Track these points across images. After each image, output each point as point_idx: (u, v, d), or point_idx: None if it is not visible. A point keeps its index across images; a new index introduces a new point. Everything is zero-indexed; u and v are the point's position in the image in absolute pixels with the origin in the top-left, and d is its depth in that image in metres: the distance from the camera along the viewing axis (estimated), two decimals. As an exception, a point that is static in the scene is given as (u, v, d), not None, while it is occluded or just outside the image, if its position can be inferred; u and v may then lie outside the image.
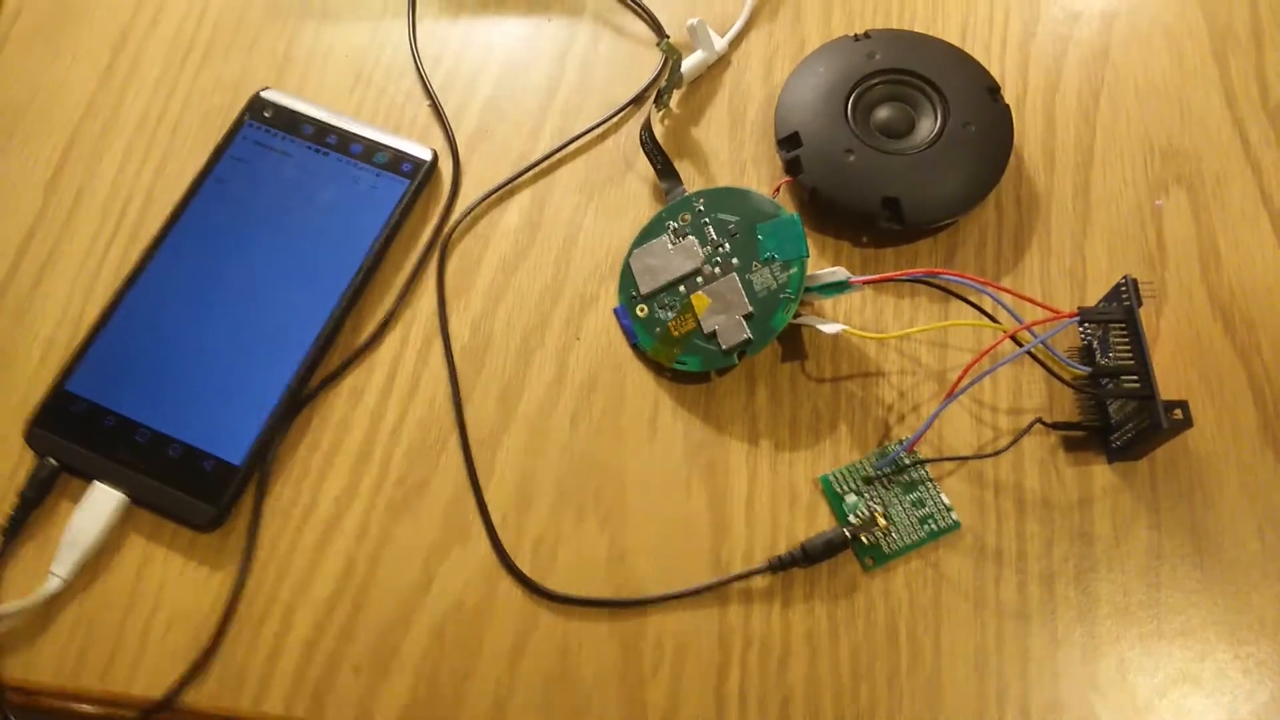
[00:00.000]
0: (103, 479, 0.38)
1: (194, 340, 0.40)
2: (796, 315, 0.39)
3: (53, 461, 0.38)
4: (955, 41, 0.47)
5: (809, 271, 0.39)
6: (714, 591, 0.37)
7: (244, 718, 0.36)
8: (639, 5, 0.47)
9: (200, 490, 0.38)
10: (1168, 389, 0.40)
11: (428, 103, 0.46)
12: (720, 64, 0.46)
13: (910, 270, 0.39)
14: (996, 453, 0.38)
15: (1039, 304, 0.38)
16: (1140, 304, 0.37)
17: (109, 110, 0.45)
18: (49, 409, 0.39)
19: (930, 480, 0.38)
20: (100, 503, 0.38)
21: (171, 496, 0.38)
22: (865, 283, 0.39)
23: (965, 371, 0.37)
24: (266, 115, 0.44)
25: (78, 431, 0.38)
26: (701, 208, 0.41)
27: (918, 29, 0.47)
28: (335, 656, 0.36)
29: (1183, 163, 0.44)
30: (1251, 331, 0.41)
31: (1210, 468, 0.39)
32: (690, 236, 0.41)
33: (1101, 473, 0.39)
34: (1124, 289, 0.37)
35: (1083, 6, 0.47)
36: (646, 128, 0.43)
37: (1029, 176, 0.44)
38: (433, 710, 0.35)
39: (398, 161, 0.43)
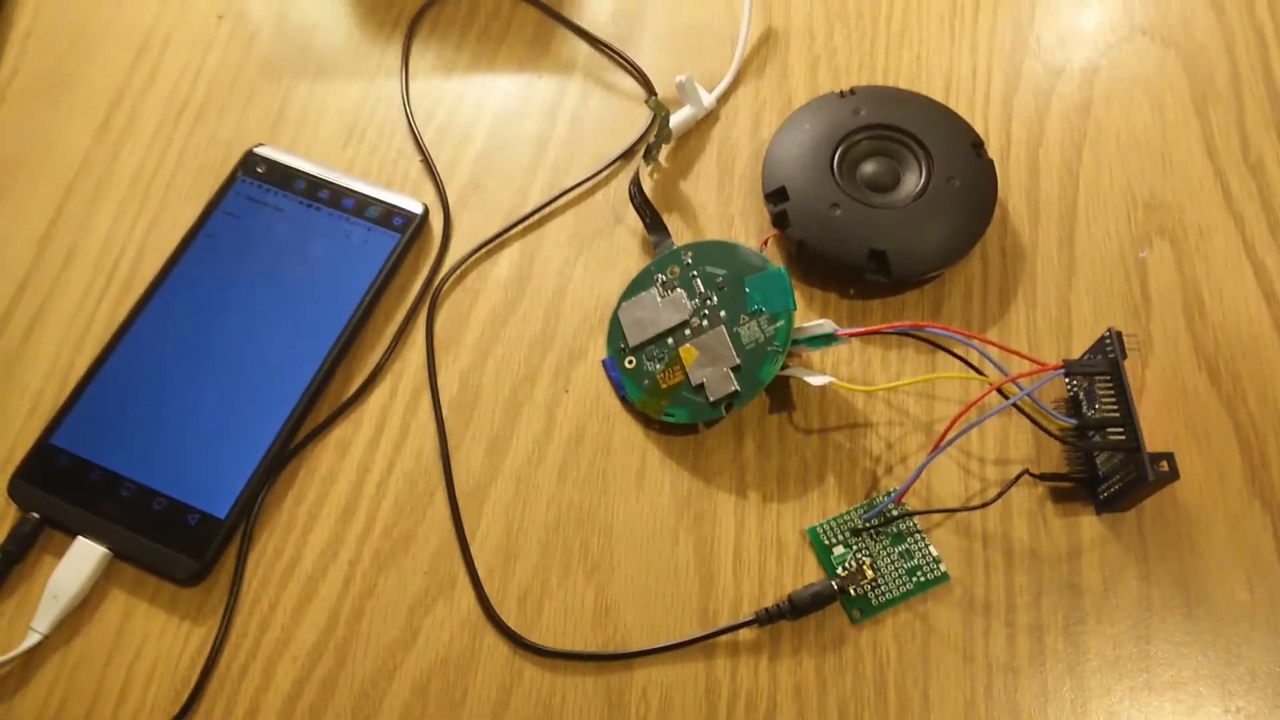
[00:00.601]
0: (86, 533, 0.38)
1: (181, 394, 0.40)
2: (784, 367, 0.39)
3: (35, 516, 0.38)
4: (939, 97, 0.47)
5: (796, 324, 0.40)
6: (701, 644, 0.37)
7: (223, 776, 0.35)
8: (628, 62, 0.48)
9: (184, 544, 0.37)
10: (1154, 440, 0.40)
11: (419, 158, 0.46)
12: (708, 119, 0.47)
13: (897, 323, 0.39)
14: (984, 504, 0.38)
15: (1024, 356, 0.38)
16: (1125, 356, 0.37)
17: (103, 166, 0.46)
18: (32, 463, 0.39)
19: (918, 532, 0.38)
20: (83, 557, 0.37)
21: (155, 551, 0.37)
22: (852, 335, 0.39)
23: (952, 424, 0.37)
24: (259, 171, 0.45)
25: (61, 486, 0.38)
26: (690, 260, 0.42)
27: (902, 85, 0.48)
28: (316, 712, 0.36)
29: (1166, 214, 0.44)
30: (1237, 382, 0.41)
31: (1198, 518, 0.38)
32: (679, 289, 0.41)
33: (1090, 524, 0.38)
34: (1108, 341, 0.38)
35: (1064, 62, 0.48)
36: (635, 182, 0.44)
37: (1014, 229, 0.44)
38: (415, 768, 0.35)
39: (389, 215, 0.44)
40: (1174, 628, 0.37)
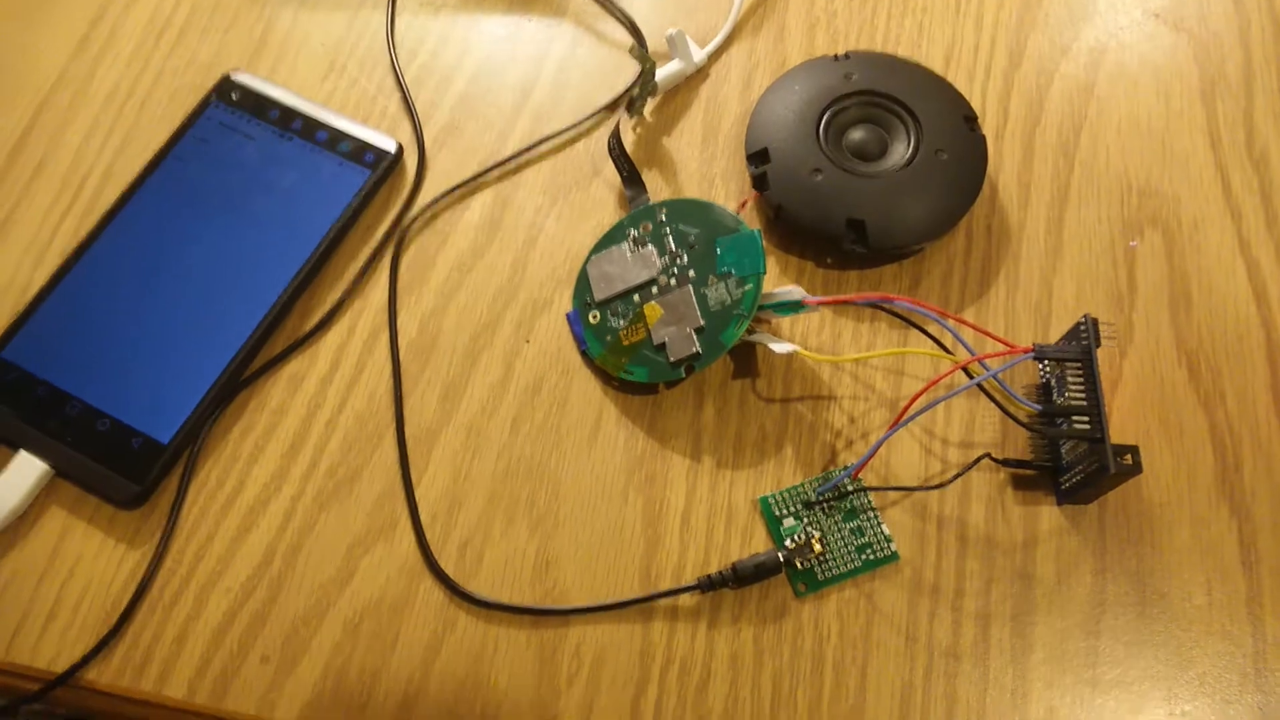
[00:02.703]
0: (29, 448, 0.37)
1: (136, 316, 0.39)
2: (749, 332, 0.38)
3: (-21, 427, 0.38)
4: (939, 68, 0.46)
5: (766, 289, 0.39)
6: (639, 606, 0.36)
7: (145, 699, 0.35)
8: (620, 11, 0.47)
9: (126, 467, 0.37)
10: (1126, 433, 0.39)
11: (399, 95, 0.45)
12: (698, 76, 0.46)
13: (866, 294, 0.38)
14: (941, 484, 0.37)
15: (995, 337, 0.37)
16: (1099, 345, 0.36)
17: (80, 82, 0.45)
18: (-18, 374, 0.38)
19: (872, 509, 0.37)
20: (23, 472, 0.37)
21: (96, 471, 0.37)
22: (820, 304, 0.38)
23: (913, 400, 0.36)
24: (234, 97, 0.44)
25: (8, 399, 0.38)
26: (664, 218, 0.41)
27: (901, 53, 0.46)
28: (245, 644, 0.35)
29: (1161, 204, 0.43)
30: (1217, 379, 0.39)
31: (1162, 517, 0.37)
32: (650, 246, 0.40)
33: (1049, 514, 0.37)
34: (1083, 328, 0.36)
35: (1071, 40, 0.46)
36: (615, 134, 0.42)
37: (1002, 207, 0.43)
38: (337, 706, 0.34)
39: (361, 151, 0.43)
40: (1125, 626, 0.36)
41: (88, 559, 0.37)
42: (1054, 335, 0.40)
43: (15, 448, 0.37)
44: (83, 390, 0.38)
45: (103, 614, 0.36)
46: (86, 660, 0.35)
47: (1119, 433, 0.38)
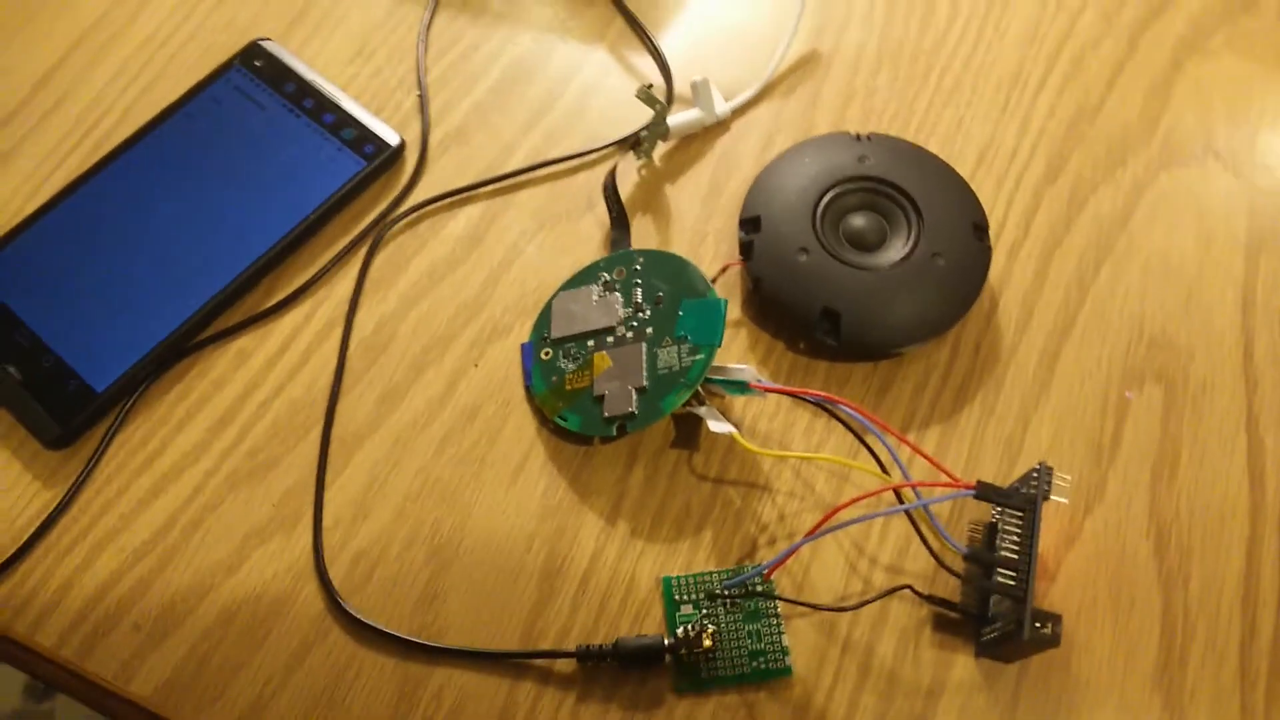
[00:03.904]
0: (-27, 369, 0.38)
1: (106, 263, 0.40)
2: (692, 403, 0.37)
3: (-67, 340, 0.38)
4: (968, 167, 0.43)
5: (721, 363, 0.37)
6: (514, 662, 0.35)
7: (15, 639, 0.35)
8: (655, 48, 0.46)
9: (55, 407, 0.37)
10: (1069, 596, 0.36)
11: (417, 93, 0.45)
12: (718, 128, 0.44)
13: (814, 391, 0.36)
14: (851, 607, 0.35)
15: (936, 464, 0.35)
16: (1047, 497, 0.33)
17: (119, 25, 0.46)
18: (-52, 290, 0.39)
19: (777, 615, 0.35)
20: (-39, 391, 0.38)
21: (28, 406, 0.37)
22: (767, 390, 0.36)
23: (836, 510, 0.34)
24: (257, 64, 0.44)
25: (-33, 318, 0.39)
26: (639, 267, 0.39)
27: (934, 144, 0.44)
28: (122, 608, 0.35)
29: (1171, 358, 0.40)
30: (1184, 560, 0.36)
31: (1087, 696, 0.34)
32: (617, 293, 0.39)
33: (964, 664, 0.35)
34: (1035, 476, 0.34)
35: (1117, 164, 0.43)
36: (611, 174, 0.41)
37: (998, 327, 0.40)
38: (191, 691, 0.34)
39: (362, 141, 0.43)
40: (1012, 803, 0.33)
41: (1, 489, 0.37)
42: (1016, 475, 0.38)
43: (-40, 366, 0.38)
44: (37, 323, 0.39)
45: (0, 546, 0.36)
46: (-30, 589, 0.35)
47: (1061, 595, 0.36)
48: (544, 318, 0.40)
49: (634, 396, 0.37)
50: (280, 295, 0.41)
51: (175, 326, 0.39)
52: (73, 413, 0.37)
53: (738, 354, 0.40)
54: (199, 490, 0.37)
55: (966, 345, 0.40)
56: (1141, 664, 0.35)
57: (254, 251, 0.40)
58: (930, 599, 0.35)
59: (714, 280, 0.40)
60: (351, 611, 0.35)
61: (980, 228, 0.40)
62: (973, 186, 0.42)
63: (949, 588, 0.36)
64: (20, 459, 0.38)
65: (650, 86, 0.40)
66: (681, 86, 0.45)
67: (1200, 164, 0.44)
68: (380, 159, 0.42)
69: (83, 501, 0.37)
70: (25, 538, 0.36)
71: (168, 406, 0.39)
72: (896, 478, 0.36)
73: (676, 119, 0.43)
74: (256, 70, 0.44)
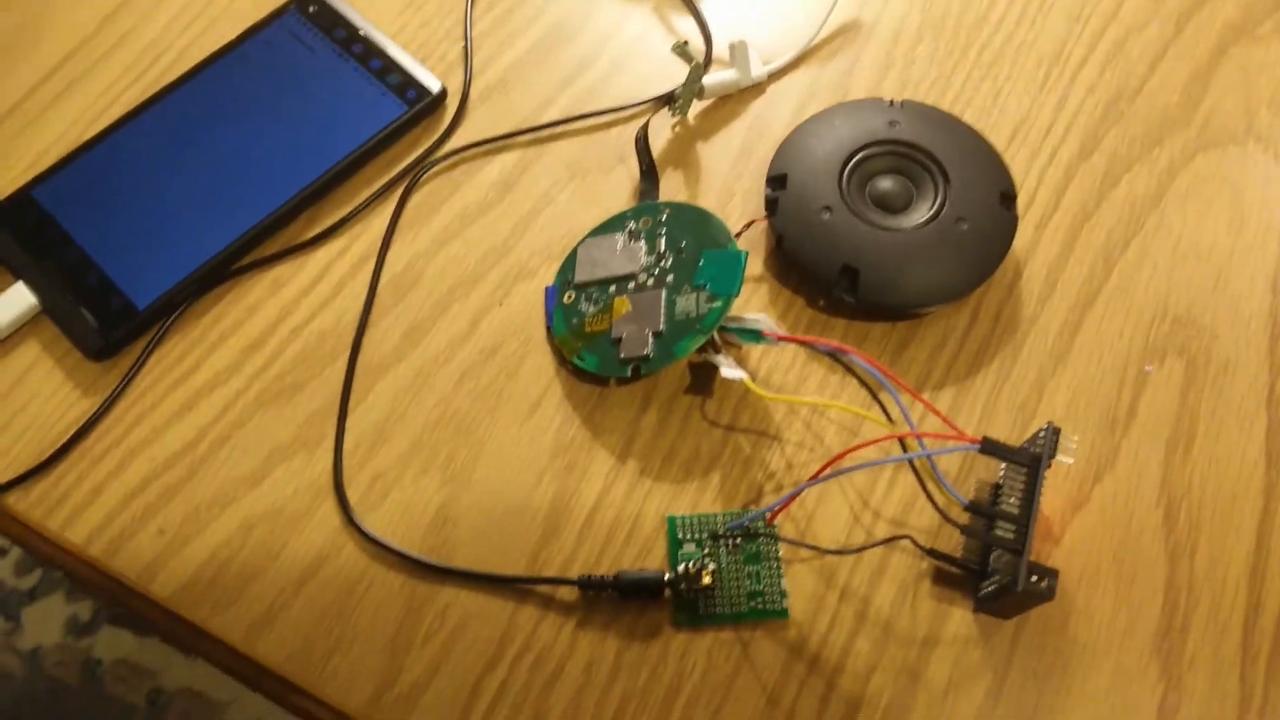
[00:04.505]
0: (26, 281, 0.40)
1: (155, 190, 0.42)
2: (707, 350, 0.38)
3: (-7, 252, 0.41)
4: (1002, 140, 0.43)
5: (737, 313, 0.38)
6: (518, 586, 0.36)
7: (48, 536, 0.37)
8: (696, 9, 0.46)
9: (99, 320, 0.39)
10: (1073, 559, 0.36)
11: (462, 44, 0.46)
12: (754, 90, 0.45)
13: (825, 340, 0.36)
14: (850, 551, 0.35)
15: (944, 418, 0.35)
16: (1052, 456, 0.33)
17: (184, -33, 0.48)
18: (9, 206, 0.41)
19: (777, 559, 0.36)
20: (15, 301, 0.40)
21: (75, 317, 0.39)
22: (780, 339, 0.36)
23: (839, 456, 0.34)
24: (310, 10, 0.46)
25: (24, 233, 0.41)
26: (664, 218, 0.40)
27: (968, 116, 0.44)
28: (149, 513, 0.37)
29: (1194, 335, 0.39)
30: (1193, 533, 0.36)
31: (1083, 658, 0.34)
32: (642, 241, 0.40)
33: (961, 618, 0.35)
34: (1042, 436, 0.34)
35: (1154, 144, 0.43)
36: (644, 128, 0.42)
37: (1020, 296, 0.40)
38: (209, 596, 0.36)
39: (405, 86, 0.44)
40: (1000, 756, 0.33)
41: (44, 395, 0.39)
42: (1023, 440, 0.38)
43: (16, 277, 0.40)
44: (87, 242, 0.41)
45: (39, 449, 0.38)
46: (10, 485, 0.37)
47: (1065, 557, 0.36)
48: (569, 262, 0.41)
49: (650, 340, 0.37)
50: (318, 229, 0.42)
51: (216, 252, 0.40)
52: (115, 327, 0.39)
53: (757, 308, 0.41)
54: (228, 407, 0.39)
55: (987, 312, 0.40)
56: (1141, 631, 0.35)
57: (295, 186, 0.42)
58: (930, 552, 0.35)
59: (738, 235, 0.40)
60: (365, 529, 0.36)
61: (1008, 196, 0.40)
62: (1005, 159, 0.42)
63: (952, 544, 0.36)
64: (64, 368, 0.39)
65: (686, 43, 0.41)
66: (721, 49, 0.46)
67: (1240, 147, 0.43)
68: (422, 104, 0.44)
69: (119, 411, 0.39)
70: (62, 442, 0.38)
71: (204, 327, 0.40)
72: (901, 430, 0.36)
73: (712, 79, 0.44)
74: (309, 15, 0.45)
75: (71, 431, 0.38)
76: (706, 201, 0.43)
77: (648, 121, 0.42)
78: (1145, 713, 0.34)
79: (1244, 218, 0.42)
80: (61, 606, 0.93)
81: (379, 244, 0.42)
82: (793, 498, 0.35)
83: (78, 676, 0.89)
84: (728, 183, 0.43)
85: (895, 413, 0.37)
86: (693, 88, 0.43)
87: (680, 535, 0.36)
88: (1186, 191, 0.42)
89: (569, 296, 0.40)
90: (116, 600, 0.37)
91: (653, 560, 0.36)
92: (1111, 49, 0.46)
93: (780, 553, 0.36)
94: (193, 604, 0.36)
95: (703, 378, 0.39)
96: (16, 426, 0.38)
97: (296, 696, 0.35)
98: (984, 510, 0.33)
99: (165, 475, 0.38)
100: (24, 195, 0.42)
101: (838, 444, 0.38)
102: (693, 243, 0.39)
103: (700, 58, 0.44)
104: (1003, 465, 0.36)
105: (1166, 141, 0.43)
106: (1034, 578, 0.31)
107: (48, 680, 0.89)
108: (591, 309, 0.39)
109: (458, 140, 0.44)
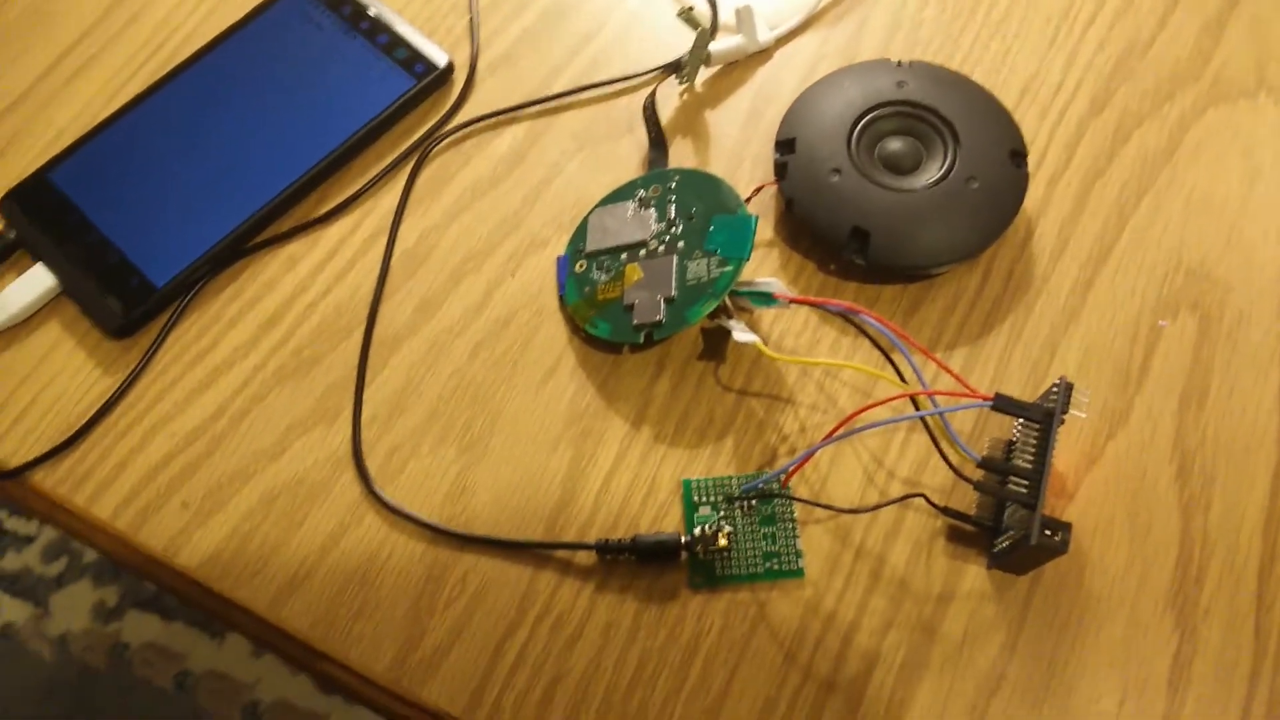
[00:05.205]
0: (46, 263, 0.40)
1: (169, 170, 0.42)
2: (718, 314, 0.38)
3: (13, 234, 0.41)
4: (1012, 99, 0.43)
5: (748, 277, 0.38)
6: (535, 552, 0.36)
7: (75, 511, 0.38)
8: (702, -22, 0.46)
9: (119, 300, 0.40)
10: (1086, 514, 0.36)
11: (468, 17, 0.46)
12: (761, 56, 0.45)
13: (837, 301, 0.36)
14: (864, 510, 0.36)
15: (955, 376, 0.35)
16: (1065, 411, 0.33)
17: (191, -53, 0.48)
18: (26, 188, 0.42)
19: (792, 520, 0.36)
20: (35, 282, 0.40)
21: (95, 297, 0.40)
22: (792, 301, 0.37)
23: (852, 416, 0.35)
24: (317, -13, 0.46)
25: (42, 215, 0.41)
26: (674, 185, 0.40)
27: (977, 76, 0.44)
28: (173, 487, 0.38)
29: (1208, 289, 0.39)
30: (1207, 486, 0.36)
31: (1097, 610, 0.35)
32: (652, 209, 0.40)
33: (976, 574, 0.35)
34: (1055, 391, 0.34)
35: (1165, 99, 0.43)
36: (651, 96, 0.42)
37: (1032, 254, 0.40)
38: (234, 565, 0.36)
39: (413, 61, 0.44)
40: (1015, 710, 0.33)
41: (66, 374, 0.40)
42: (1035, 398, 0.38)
43: (36, 259, 0.41)
44: (104, 223, 0.41)
45: (63, 426, 0.39)
46: (36, 463, 0.38)
47: (1079, 512, 0.36)
48: (580, 232, 0.41)
49: (662, 306, 0.38)
50: (330, 205, 0.42)
51: (231, 230, 0.41)
52: (134, 306, 0.40)
53: (768, 273, 0.41)
54: (247, 383, 0.39)
55: (999, 271, 0.40)
56: (1155, 583, 0.35)
57: (307, 163, 0.42)
58: (944, 510, 0.35)
59: (748, 200, 0.40)
60: (385, 499, 0.37)
61: (1018, 154, 0.40)
62: (1015, 117, 0.42)
63: (966, 502, 0.36)
64: (85, 347, 0.40)
65: (691, 9, 0.41)
66: (726, 15, 0.46)
67: (1252, 100, 0.43)
68: (429, 78, 0.44)
69: (140, 388, 0.39)
70: (86, 419, 0.38)
71: (221, 305, 0.41)
72: (913, 388, 0.36)
73: (719, 45, 0.44)
74: (316, -8, 0.46)
75: (94, 409, 0.39)
76: (716, 168, 0.43)
77: (655, 90, 0.42)
78: (1160, 663, 0.34)
79: (1257, 171, 0.41)
80: (89, 592, 0.94)
81: (391, 218, 0.42)
82: (806, 458, 0.35)
83: (106, 660, 0.90)
84: (736, 148, 0.43)
85: (908, 373, 0.37)
86: (699, 55, 0.43)
87: (696, 498, 0.37)
88: (1198, 145, 0.42)
89: (581, 265, 0.40)
90: (144, 573, 0.38)
91: (669, 524, 0.37)
92: (1121, 4, 0.45)
93: (795, 513, 0.36)
94: (219, 575, 0.36)
95: (715, 342, 0.40)
96: (41, 405, 0.39)
97: (322, 662, 0.36)
98: (997, 466, 0.34)
99: (187, 450, 0.38)
100: (40, 178, 0.42)
101: (850, 405, 0.38)
102: (703, 209, 0.39)
103: (706, 24, 0.44)
104: (1016, 422, 0.36)
105: (1178, 95, 0.43)
106: (1047, 531, 0.32)
107: (77, 665, 0.90)
108: (603, 277, 0.40)
109: (466, 113, 0.44)
